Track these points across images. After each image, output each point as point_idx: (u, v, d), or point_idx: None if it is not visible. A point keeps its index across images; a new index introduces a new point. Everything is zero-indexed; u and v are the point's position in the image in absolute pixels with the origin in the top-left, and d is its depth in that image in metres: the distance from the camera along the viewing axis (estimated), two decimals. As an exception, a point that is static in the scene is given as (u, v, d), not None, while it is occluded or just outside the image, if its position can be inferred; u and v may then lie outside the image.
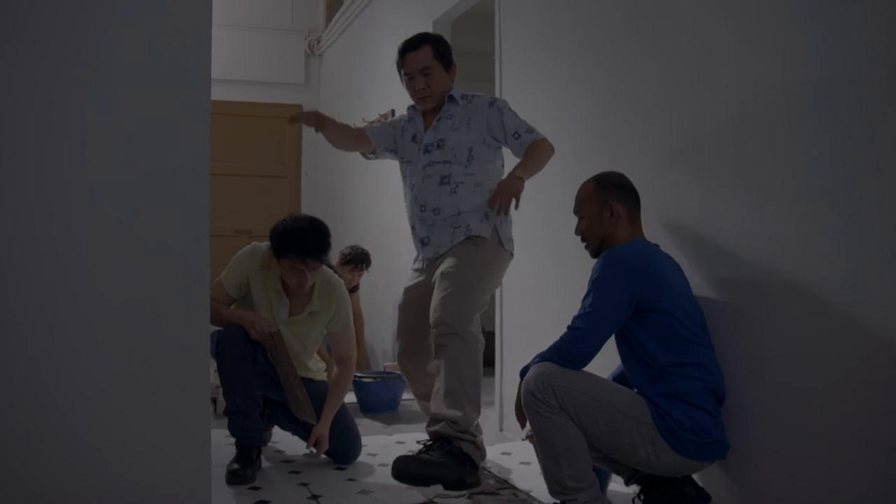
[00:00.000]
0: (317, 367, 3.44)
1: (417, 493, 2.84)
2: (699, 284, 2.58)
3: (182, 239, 2.40)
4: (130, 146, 2.33)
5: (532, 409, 2.37)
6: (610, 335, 2.42)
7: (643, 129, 2.94)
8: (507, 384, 3.93)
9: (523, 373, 2.48)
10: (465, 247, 2.99)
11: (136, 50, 2.33)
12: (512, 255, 3.12)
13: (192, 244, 2.42)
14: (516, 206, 2.87)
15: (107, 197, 2.30)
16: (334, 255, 4.95)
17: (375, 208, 5.91)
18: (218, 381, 3.23)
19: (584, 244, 2.64)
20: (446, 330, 2.80)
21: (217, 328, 3.07)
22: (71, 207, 2.26)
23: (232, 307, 3.24)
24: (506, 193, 2.84)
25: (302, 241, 3.09)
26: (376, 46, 6.00)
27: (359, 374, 4.56)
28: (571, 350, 2.37)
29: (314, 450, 3.23)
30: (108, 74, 2.30)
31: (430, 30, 4.96)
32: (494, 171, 3.14)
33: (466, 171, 3.05)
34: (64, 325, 2.26)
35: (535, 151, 2.97)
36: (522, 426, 2.50)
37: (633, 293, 2.37)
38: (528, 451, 3.27)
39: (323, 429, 3.20)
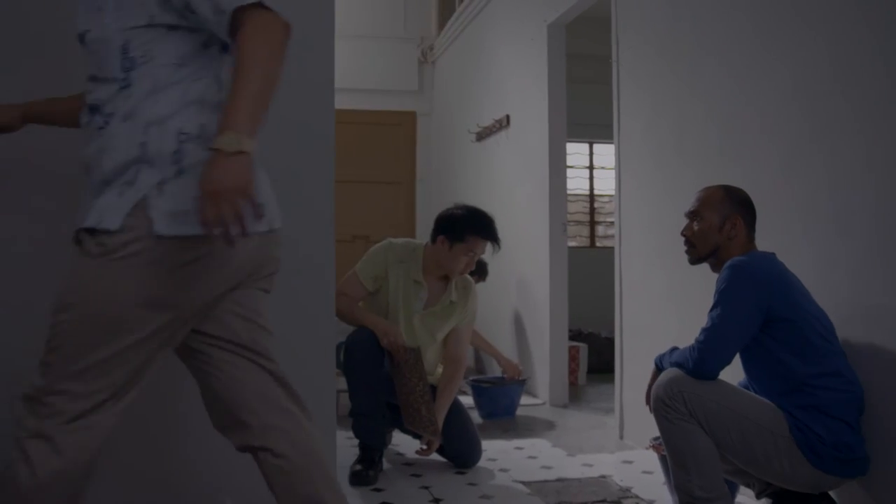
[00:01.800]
0: (438, 372, 3.47)
1: (538, 500, 2.83)
2: (834, 288, 2.47)
3: (308, 244, 2.47)
4: (260, 153, 2.41)
5: (661, 414, 2.33)
6: (739, 348, 2.34)
7: (772, 131, 2.84)
8: (626, 391, 3.87)
9: (658, 362, 2.44)
10: (72, 265, 1.62)
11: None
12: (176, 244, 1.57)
13: (317, 249, 2.49)
14: (255, 214, 1.50)
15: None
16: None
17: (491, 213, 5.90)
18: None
19: (687, 247, 2.56)
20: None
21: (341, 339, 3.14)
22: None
23: (361, 303, 3.31)
24: (212, 198, 1.44)
25: (486, 224, 3.35)
26: (490, 52, 6.02)
27: (477, 379, 4.58)
28: (699, 367, 2.29)
29: (425, 447, 3.23)
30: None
31: (544, 35, 4.94)
32: (186, 86, 1.64)
33: (122, 91, 1.62)
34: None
35: (249, 60, 1.53)
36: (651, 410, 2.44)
37: (762, 303, 2.29)
38: (650, 460, 3.21)
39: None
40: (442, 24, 7.38)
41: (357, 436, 3.17)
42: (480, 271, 5.20)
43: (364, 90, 7.15)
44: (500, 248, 3.43)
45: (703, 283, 2.66)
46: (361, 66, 7.09)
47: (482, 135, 5.99)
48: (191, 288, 1.63)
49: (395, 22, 7.62)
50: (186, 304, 1.63)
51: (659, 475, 2.98)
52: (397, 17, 7.64)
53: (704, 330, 2.33)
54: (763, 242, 2.52)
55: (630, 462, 3.42)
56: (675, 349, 2.45)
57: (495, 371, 4.88)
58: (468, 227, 3.29)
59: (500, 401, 4.42)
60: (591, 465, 3.36)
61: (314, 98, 2.47)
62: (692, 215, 2.55)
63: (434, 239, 3.35)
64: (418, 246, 3.40)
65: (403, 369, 3.12)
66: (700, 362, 2.30)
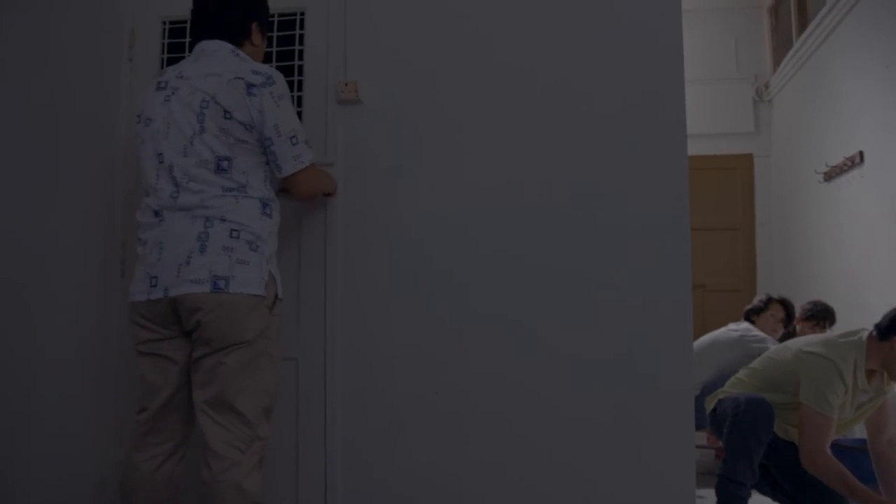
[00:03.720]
0: None
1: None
2: None
3: (663, 294, 2.46)
4: (613, 207, 2.46)
5: None
6: None
7: None
8: None
9: None
10: None
11: (621, 111, 2.47)
12: None
13: (674, 299, 2.47)
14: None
15: (588, 262, 2.45)
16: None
17: (843, 260, 5.46)
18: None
19: None
20: None
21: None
22: (566, 276, 2.45)
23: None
24: None
25: None
26: (836, 85, 5.62)
27: (840, 440, 4.20)
28: None
29: None
30: (601, 134, 2.56)
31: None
32: None
33: None
34: (551, 377, 2.43)
35: None
36: None
37: None
38: None
39: None
40: (777, 60, 7.03)
41: (720, 497, 3.07)
42: (826, 317, 4.84)
43: (697, 135, 6.97)
44: None
45: None
46: (694, 110, 6.88)
47: (831, 174, 5.58)
48: None
49: (727, 63, 7.39)
50: None
51: None
52: (729, 58, 7.41)
53: None
54: None
55: None
56: None
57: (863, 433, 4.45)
58: None
59: (866, 465, 4.00)
60: None
61: (667, 148, 2.48)
62: None
63: (887, 335, 2.97)
64: (859, 345, 3.01)
65: None
66: None
